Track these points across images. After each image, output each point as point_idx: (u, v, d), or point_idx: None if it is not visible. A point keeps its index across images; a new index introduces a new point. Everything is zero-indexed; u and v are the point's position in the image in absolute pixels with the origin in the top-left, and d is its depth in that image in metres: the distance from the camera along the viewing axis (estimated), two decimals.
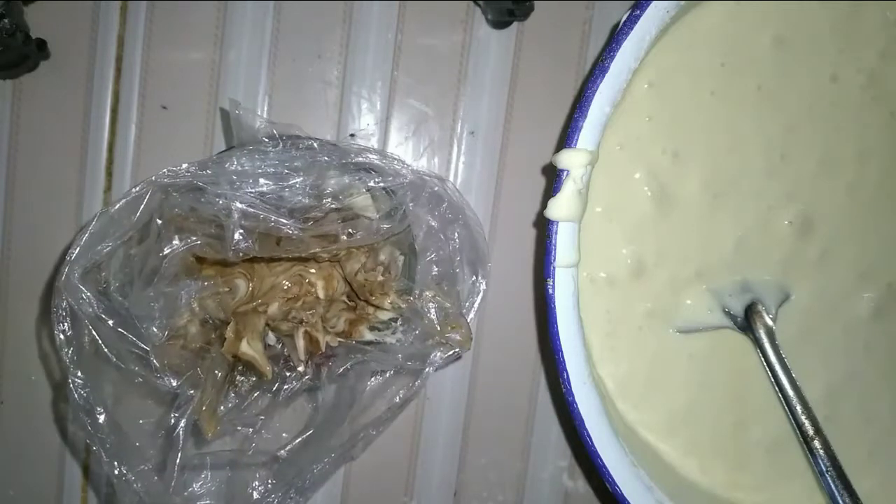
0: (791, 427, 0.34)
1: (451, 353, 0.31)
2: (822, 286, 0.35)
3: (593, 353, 0.33)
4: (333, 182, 0.29)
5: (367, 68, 0.39)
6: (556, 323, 0.29)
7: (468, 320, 0.32)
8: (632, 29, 0.29)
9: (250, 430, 0.32)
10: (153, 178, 0.28)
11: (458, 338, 0.31)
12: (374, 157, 0.30)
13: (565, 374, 0.29)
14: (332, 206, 0.29)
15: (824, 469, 0.33)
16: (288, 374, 0.32)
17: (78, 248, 0.27)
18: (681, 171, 0.34)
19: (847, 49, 0.35)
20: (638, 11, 0.29)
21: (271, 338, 0.33)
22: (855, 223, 0.35)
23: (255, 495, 0.31)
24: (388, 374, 0.33)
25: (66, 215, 0.39)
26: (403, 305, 0.32)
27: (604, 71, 0.29)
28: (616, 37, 0.29)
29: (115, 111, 0.39)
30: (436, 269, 0.31)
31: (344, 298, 0.34)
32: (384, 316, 0.33)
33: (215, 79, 0.39)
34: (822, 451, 0.33)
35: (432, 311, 0.31)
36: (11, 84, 0.39)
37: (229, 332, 0.31)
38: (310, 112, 0.39)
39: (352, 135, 0.39)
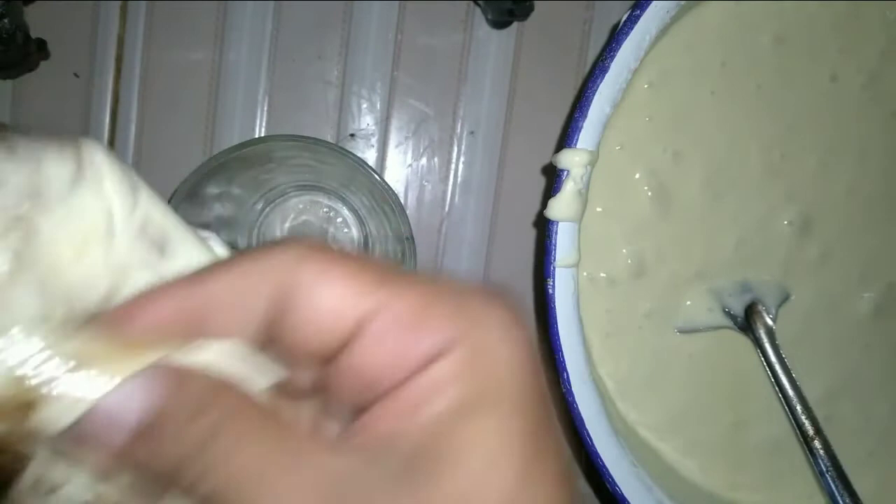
0: (791, 427, 0.34)
1: None
2: (823, 286, 0.35)
3: (593, 352, 0.33)
4: None
5: (366, 68, 0.39)
6: (556, 323, 0.29)
7: None
8: (632, 29, 0.29)
9: None
10: None
11: None
12: None
13: (565, 374, 0.29)
14: None
15: (824, 469, 0.33)
16: None
17: None
18: (681, 171, 0.34)
19: (847, 49, 0.35)
20: (638, 11, 0.29)
21: None
22: (855, 223, 0.35)
23: None
24: None
25: None
26: None
27: (604, 71, 0.29)
28: (616, 37, 0.29)
29: (114, 111, 0.39)
30: None
31: None
32: None
33: (215, 79, 0.39)
34: (822, 451, 0.33)
35: None
36: (11, 84, 0.39)
37: None
38: (310, 112, 0.39)
39: (352, 135, 0.39)
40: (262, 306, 0.14)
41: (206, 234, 0.17)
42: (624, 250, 0.34)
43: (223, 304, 0.14)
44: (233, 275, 0.14)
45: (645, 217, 0.34)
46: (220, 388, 0.14)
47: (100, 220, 0.15)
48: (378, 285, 0.14)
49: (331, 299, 0.14)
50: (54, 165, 0.15)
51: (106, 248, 0.15)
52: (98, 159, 0.15)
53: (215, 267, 0.14)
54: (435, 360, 0.14)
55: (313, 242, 0.14)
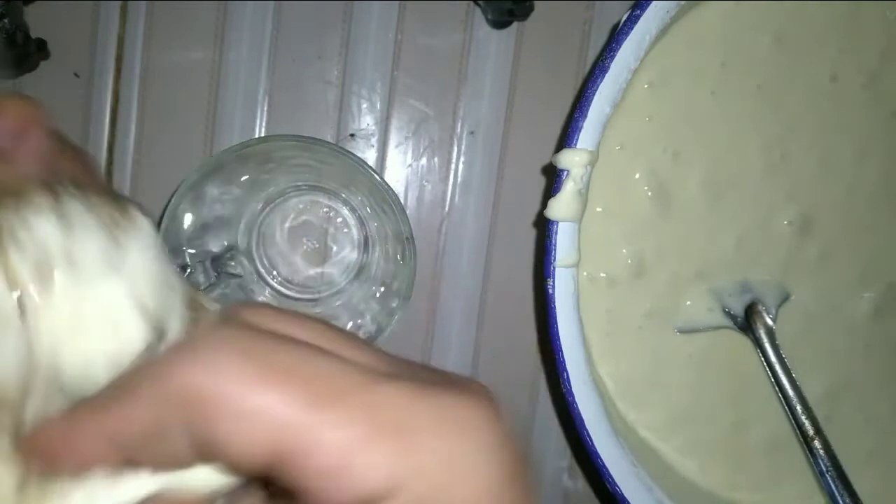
0: (791, 427, 0.34)
1: None
2: (822, 286, 0.35)
3: (593, 352, 0.33)
4: None
5: (367, 68, 0.39)
6: (556, 323, 0.29)
7: None
8: (632, 29, 0.29)
9: None
10: None
11: None
12: None
13: (565, 374, 0.29)
14: None
15: (824, 469, 0.33)
16: None
17: None
18: (681, 171, 0.34)
19: (847, 49, 0.35)
20: (638, 11, 0.29)
21: None
22: (855, 223, 0.35)
23: None
24: None
25: None
26: None
27: (604, 71, 0.29)
28: (616, 37, 0.29)
29: (114, 111, 0.39)
30: None
31: None
32: None
33: (215, 79, 0.39)
34: (822, 451, 0.33)
35: None
36: (11, 84, 0.39)
37: None
38: (310, 112, 0.39)
39: (352, 135, 0.39)
40: (184, 439, 0.13)
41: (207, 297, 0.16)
42: (624, 250, 0.34)
43: (147, 436, 0.13)
44: (151, 401, 0.13)
45: (645, 217, 0.34)
46: None
47: (113, 312, 0.14)
48: (308, 410, 0.12)
49: (249, 431, 0.12)
50: (101, 240, 0.14)
51: (111, 337, 0.14)
52: (145, 252, 0.14)
53: (128, 397, 0.13)
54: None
55: (244, 337, 0.13)
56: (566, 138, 0.29)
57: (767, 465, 0.36)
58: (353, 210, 0.39)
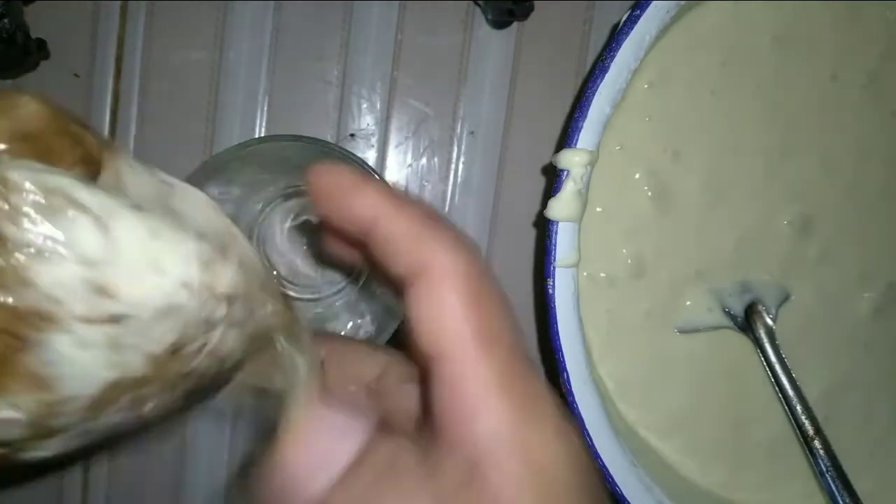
0: (791, 427, 0.34)
1: None
2: (822, 286, 0.35)
3: (593, 352, 0.33)
4: None
5: (366, 68, 0.39)
6: (556, 323, 0.29)
7: None
8: (632, 29, 0.29)
9: None
10: None
11: None
12: None
13: (565, 374, 0.29)
14: None
15: (824, 469, 0.33)
16: None
17: None
18: (681, 171, 0.34)
19: (847, 49, 0.35)
20: (638, 11, 0.29)
21: None
22: (855, 223, 0.35)
23: None
24: None
25: None
26: None
27: (604, 71, 0.29)
28: (616, 37, 0.29)
29: (114, 111, 0.39)
30: None
31: None
32: None
33: (215, 79, 0.39)
34: (822, 451, 0.33)
35: None
36: (11, 84, 0.39)
37: None
38: (310, 112, 0.39)
39: (352, 135, 0.39)
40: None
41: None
42: (624, 250, 0.34)
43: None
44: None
45: (645, 217, 0.34)
46: None
47: None
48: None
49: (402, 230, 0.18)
50: None
51: None
52: None
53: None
54: (489, 436, 0.16)
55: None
56: (566, 138, 0.29)
57: (767, 464, 0.36)
58: None
